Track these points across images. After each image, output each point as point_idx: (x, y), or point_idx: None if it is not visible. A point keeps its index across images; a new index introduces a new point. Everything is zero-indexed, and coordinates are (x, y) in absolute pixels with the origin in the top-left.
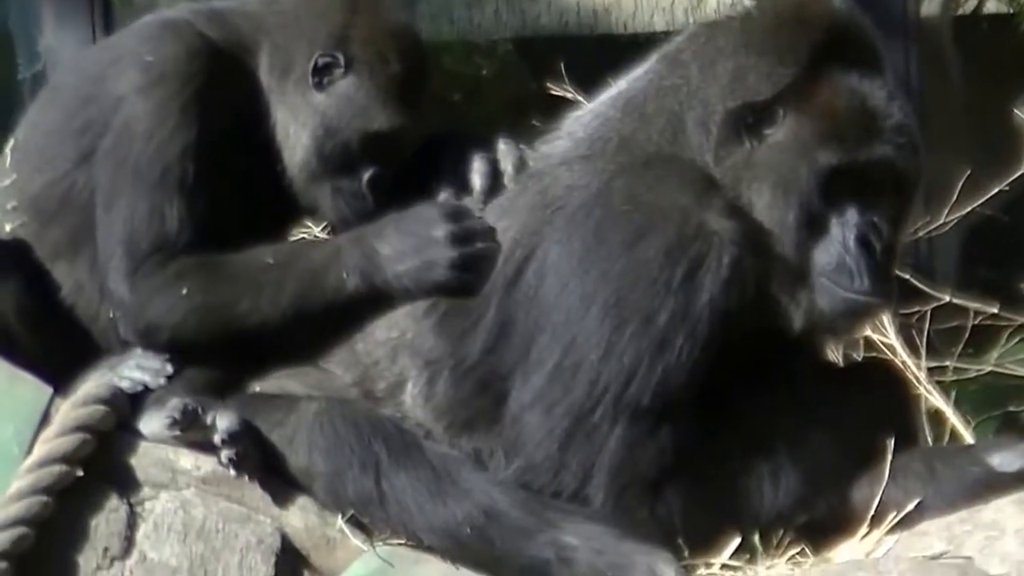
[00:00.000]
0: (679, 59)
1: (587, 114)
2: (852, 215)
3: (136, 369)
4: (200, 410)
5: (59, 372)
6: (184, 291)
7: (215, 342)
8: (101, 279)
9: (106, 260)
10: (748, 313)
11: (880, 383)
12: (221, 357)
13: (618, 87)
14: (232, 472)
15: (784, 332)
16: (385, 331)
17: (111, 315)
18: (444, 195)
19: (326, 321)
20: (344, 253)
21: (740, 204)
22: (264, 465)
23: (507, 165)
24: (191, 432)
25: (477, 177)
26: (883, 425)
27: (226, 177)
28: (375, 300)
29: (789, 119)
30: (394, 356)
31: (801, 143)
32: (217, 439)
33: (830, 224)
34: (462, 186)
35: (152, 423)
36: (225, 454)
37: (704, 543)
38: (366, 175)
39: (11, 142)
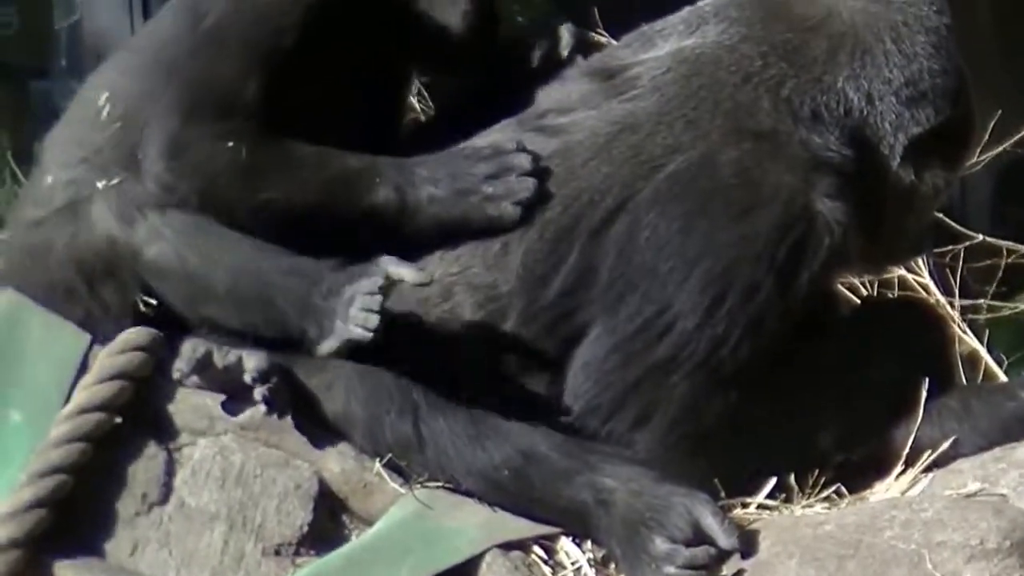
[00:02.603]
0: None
1: (667, 69)
2: None
3: None
4: (214, 354)
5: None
6: (230, 144)
7: (233, 221)
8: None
9: (161, 96)
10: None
11: (916, 322)
12: None
13: (703, 33)
14: (263, 408)
15: None
16: (441, 267)
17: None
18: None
19: (350, 231)
20: (381, 165)
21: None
22: (297, 404)
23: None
24: (209, 374)
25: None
26: (919, 363)
27: (336, 58)
28: (398, 224)
29: None
30: (448, 293)
31: None
32: (248, 378)
33: None
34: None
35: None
36: (259, 391)
37: (742, 485)
38: None
39: (105, 94)
